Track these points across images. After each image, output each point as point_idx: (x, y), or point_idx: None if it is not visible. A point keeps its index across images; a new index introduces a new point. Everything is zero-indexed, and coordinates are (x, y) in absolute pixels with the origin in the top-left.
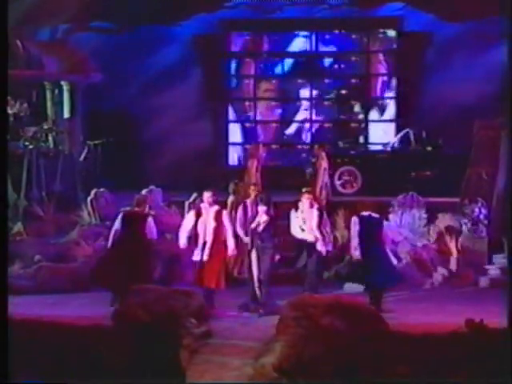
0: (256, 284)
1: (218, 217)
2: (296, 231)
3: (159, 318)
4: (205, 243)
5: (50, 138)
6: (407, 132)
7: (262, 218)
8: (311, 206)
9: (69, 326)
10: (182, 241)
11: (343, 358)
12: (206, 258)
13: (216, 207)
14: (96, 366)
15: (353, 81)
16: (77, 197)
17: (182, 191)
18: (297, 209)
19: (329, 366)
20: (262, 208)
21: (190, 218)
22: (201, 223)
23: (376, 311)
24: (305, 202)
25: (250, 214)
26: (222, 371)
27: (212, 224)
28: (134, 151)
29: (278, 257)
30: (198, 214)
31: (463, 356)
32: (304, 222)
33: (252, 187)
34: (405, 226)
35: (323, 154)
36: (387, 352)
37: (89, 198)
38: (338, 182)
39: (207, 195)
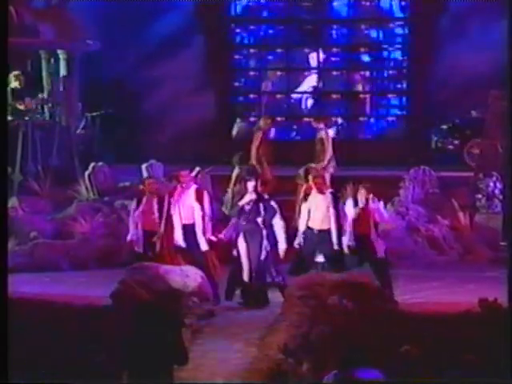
0: (246, 273)
1: (199, 197)
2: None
3: (160, 297)
4: (186, 226)
5: (46, 110)
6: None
7: (250, 196)
8: (321, 192)
9: (66, 304)
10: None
11: (351, 338)
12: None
13: (195, 186)
14: (93, 346)
15: (362, 50)
16: (74, 171)
17: (183, 165)
18: (306, 198)
19: (336, 347)
20: (250, 184)
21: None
22: (175, 205)
23: (385, 290)
24: (315, 189)
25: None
26: (225, 352)
27: (196, 206)
28: (134, 123)
29: (283, 249)
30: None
31: (476, 336)
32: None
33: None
34: (416, 202)
35: (321, 126)
36: (397, 332)
37: (87, 173)
38: None
39: (184, 174)
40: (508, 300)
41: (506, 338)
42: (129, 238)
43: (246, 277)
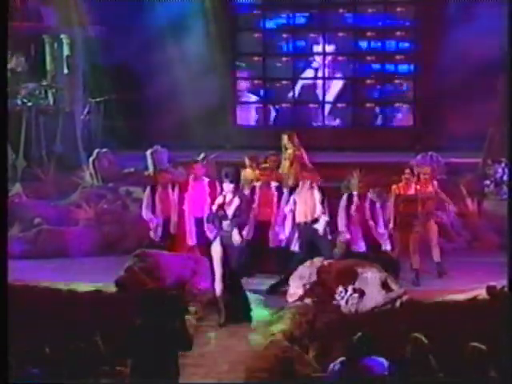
0: (218, 286)
1: (211, 190)
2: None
3: (165, 284)
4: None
5: (50, 95)
6: None
7: (229, 200)
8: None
9: (70, 292)
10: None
11: (357, 326)
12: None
13: (208, 179)
14: (97, 333)
15: (368, 34)
16: (78, 157)
17: (189, 151)
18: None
19: (342, 334)
20: (227, 186)
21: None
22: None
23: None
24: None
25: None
26: (231, 339)
27: (208, 199)
28: (138, 109)
29: None
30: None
31: (484, 323)
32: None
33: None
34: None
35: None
36: (404, 319)
37: (91, 159)
38: None
39: (197, 166)
40: (508, 287)
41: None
42: (152, 225)
43: (218, 288)
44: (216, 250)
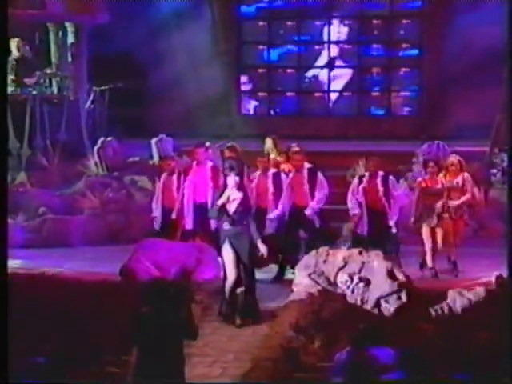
0: (229, 287)
1: (214, 175)
2: None
3: (170, 273)
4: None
5: (54, 84)
6: None
7: (234, 195)
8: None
9: (75, 280)
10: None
11: (363, 316)
12: None
13: (211, 164)
14: (102, 322)
15: (374, 21)
16: (83, 146)
17: (193, 140)
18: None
19: (347, 324)
20: (231, 179)
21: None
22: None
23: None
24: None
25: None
26: (236, 329)
27: (210, 184)
28: (143, 98)
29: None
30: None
31: (492, 313)
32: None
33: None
34: None
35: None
36: (411, 308)
37: (95, 148)
38: None
39: (200, 151)
40: (508, 275)
41: None
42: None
43: (227, 290)
44: (227, 253)
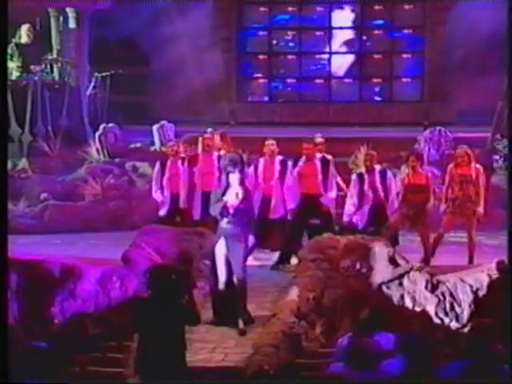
0: (221, 285)
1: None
2: None
3: (172, 259)
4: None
5: (56, 70)
6: None
7: (240, 193)
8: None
9: (76, 267)
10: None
11: (364, 302)
12: None
13: (217, 152)
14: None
15: (376, 7)
16: (84, 132)
17: (195, 126)
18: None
19: (349, 310)
20: (235, 177)
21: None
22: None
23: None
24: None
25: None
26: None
27: (217, 173)
28: (145, 84)
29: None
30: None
31: (494, 299)
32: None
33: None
34: (432, 163)
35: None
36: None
37: (97, 134)
38: None
39: (208, 136)
40: (509, 261)
41: None
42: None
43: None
44: (220, 250)
